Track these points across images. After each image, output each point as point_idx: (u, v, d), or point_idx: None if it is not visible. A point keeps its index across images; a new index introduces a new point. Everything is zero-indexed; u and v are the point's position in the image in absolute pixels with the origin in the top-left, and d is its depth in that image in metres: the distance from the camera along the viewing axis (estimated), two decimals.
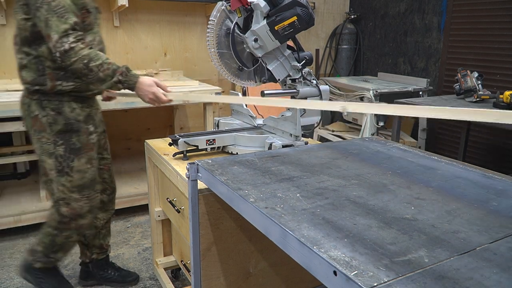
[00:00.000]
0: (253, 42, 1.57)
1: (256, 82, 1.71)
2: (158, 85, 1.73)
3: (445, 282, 0.67)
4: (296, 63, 1.68)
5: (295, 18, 1.49)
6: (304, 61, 1.69)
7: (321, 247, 0.77)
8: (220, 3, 1.58)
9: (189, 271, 1.76)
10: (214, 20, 1.57)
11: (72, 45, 1.61)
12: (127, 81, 1.69)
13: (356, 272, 0.69)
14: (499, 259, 0.76)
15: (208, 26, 1.59)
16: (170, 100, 1.76)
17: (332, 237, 0.82)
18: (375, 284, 0.65)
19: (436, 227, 0.88)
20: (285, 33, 1.54)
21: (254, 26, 1.55)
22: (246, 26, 1.59)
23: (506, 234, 0.85)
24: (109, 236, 2.28)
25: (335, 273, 0.71)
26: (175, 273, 2.32)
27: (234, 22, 1.57)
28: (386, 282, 0.66)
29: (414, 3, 3.99)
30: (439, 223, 0.90)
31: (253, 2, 1.52)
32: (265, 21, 1.54)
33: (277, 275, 1.59)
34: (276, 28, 1.53)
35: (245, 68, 1.65)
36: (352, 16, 4.58)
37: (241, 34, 1.60)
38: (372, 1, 4.47)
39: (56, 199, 1.85)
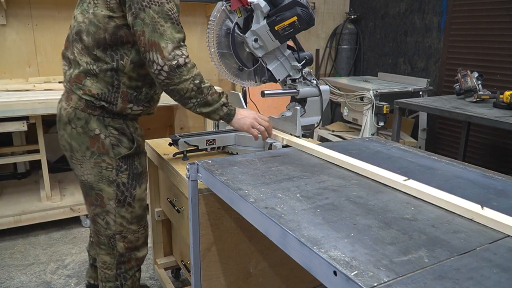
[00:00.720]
0: (253, 42, 1.57)
1: (256, 82, 1.71)
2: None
3: (445, 282, 0.67)
4: (296, 63, 1.68)
5: (295, 18, 1.49)
6: (304, 61, 1.69)
7: (321, 247, 0.77)
8: (220, 3, 1.57)
9: (189, 271, 1.76)
10: (214, 20, 1.57)
11: (187, 60, 1.36)
12: (231, 106, 1.51)
13: (356, 272, 0.69)
14: (499, 259, 0.76)
15: (208, 26, 1.59)
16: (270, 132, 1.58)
17: (332, 237, 0.82)
18: (375, 284, 0.65)
19: (436, 227, 0.88)
20: (285, 33, 1.55)
21: (254, 26, 1.55)
22: (246, 26, 1.59)
23: (506, 234, 0.85)
24: None
25: (335, 273, 0.71)
26: (175, 273, 2.32)
27: (234, 22, 1.57)
28: (386, 282, 0.66)
29: (414, 3, 3.99)
30: (439, 223, 0.90)
31: (253, 2, 1.52)
32: (265, 21, 1.54)
33: (277, 275, 1.59)
34: (276, 28, 1.53)
35: (245, 68, 1.65)
36: (352, 16, 4.58)
37: (241, 34, 1.60)
38: (372, 1, 4.47)
39: (112, 233, 1.58)
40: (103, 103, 1.46)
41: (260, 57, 1.62)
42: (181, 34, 1.38)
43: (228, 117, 1.51)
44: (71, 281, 2.30)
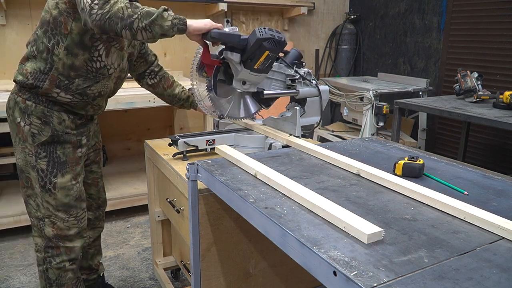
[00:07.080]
0: (243, 85, 1.59)
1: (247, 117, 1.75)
2: None
3: (444, 282, 0.67)
4: (289, 70, 1.68)
5: (267, 52, 1.49)
6: (295, 64, 1.68)
7: (321, 247, 0.77)
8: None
9: (189, 271, 1.76)
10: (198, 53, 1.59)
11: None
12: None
13: (356, 272, 0.69)
14: (499, 259, 0.76)
15: (193, 60, 1.61)
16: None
17: (332, 237, 0.82)
18: (375, 284, 0.65)
19: (436, 227, 0.88)
20: (266, 65, 1.54)
21: (236, 75, 1.55)
22: (229, 76, 1.59)
23: (501, 237, 0.85)
24: (99, 255, 2.06)
25: (335, 273, 0.71)
26: (175, 273, 2.32)
27: (212, 86, 1.58)
28: (386, 282, 0.66)
29: (414, 3, 3.99)
30: (439, 223, 0.90)
31: (224, 57, 1.52)
32: (243, 67, 1.53)
33: (277, 275, 1.59)
34: (255, 67, 1.53)
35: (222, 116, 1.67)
36: (352, 16, 4.58)
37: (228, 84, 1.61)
38: (372, 1, 4.47)
39: (41, 216, 1.64)
40: (31, 81, 1.53)
41: (256, 91, 1.63)
42: None
43: (182, 21, 1.39)
44: None
